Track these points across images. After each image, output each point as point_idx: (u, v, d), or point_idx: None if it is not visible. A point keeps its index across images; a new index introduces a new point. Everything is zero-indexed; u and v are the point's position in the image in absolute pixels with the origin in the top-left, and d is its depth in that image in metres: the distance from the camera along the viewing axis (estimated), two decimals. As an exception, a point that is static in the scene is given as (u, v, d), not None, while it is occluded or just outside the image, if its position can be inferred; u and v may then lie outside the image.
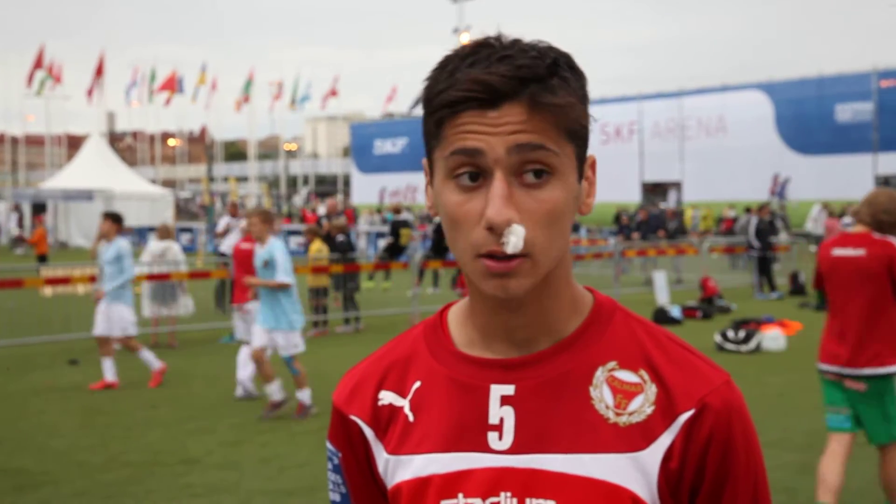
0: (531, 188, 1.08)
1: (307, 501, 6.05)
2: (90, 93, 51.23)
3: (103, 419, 8.37)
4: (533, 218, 1.08)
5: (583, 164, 1.15)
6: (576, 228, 28.46)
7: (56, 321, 13.12)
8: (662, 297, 15.87)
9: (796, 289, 18.49)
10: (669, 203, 37.91)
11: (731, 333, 12.06)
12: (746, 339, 11.89)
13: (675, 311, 14.80)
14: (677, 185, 40.65)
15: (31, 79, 51.06)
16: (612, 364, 1.17)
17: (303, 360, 11.67)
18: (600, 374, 1.17)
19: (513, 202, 1.07)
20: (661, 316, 14.47)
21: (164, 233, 14.17)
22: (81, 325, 12.88)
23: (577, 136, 1.12)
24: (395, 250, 17.51)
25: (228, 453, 7.21)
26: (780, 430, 7.46)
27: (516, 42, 1.11)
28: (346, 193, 57.83)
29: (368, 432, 1.25)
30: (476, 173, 1.09)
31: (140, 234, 30.41)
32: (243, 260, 9.81)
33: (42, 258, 23.45)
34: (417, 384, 1.23)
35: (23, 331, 12.34)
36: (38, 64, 49.79)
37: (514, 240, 1.06)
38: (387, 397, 1.25)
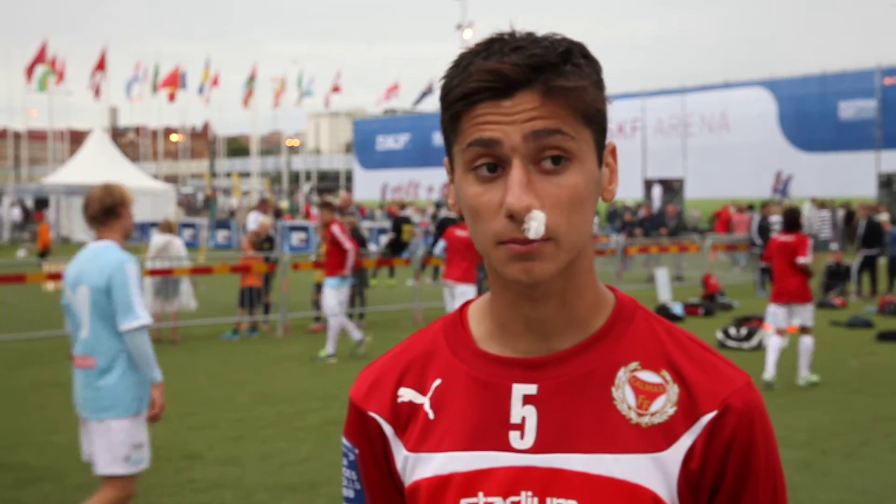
0: (551, 174, 1.08)
1: (308, 497, 6.05)
2: (97, 91, 51.22)
3: (105, 414, 8.36)
4: (555, 203, 1.08)
5: (602, 150, 1.15)
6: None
7: (58, 316, 13.08)
8: (664, 293, 15.87)
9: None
10: (654, 199, 37.88)
11: (732, 331, 12.06)
12: (748, 337, 11.89)
13: (677, 308, 14.80)
14: (665, 182, 40.56)
15: (30, 74, 51.04)
16: (634, 364, 1.17)
17: (307, 355, 11.71)
18: (622, 375, 1.16)
19: (532, 189, 1.08)
20: (663, 313, 14.46)
21: (166, 227, 14.20)
22: (83, 320, 12.88)
23: (594, 120, 1.12)
24: (397, 247, 17.51)
25: (230, 449, 7.21)
26: (782, 428, 7.46)
27: (529, 34, 1.12)
28: (349, 189, 57.81)
29: (387, 429, 1.24)
30: (494, 164, 1.09)
31: (142, 230, 30.44)
32: (455, 244, 10.61)
33: (44, 253, 23.42)
34: (438, 381, 1.22)
35: (24, 325, 12.34)
36: (41, 58, 49.74)
37: (536, 225, 1.07)
38: (406, 394, 1.24)
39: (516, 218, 1.07)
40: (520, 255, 1.08)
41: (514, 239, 1.08)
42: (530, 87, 1.07)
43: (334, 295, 11.20)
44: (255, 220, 16.55)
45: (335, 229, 11.26)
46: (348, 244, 11.15)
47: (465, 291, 10.50)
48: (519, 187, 1.06)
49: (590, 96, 1.10)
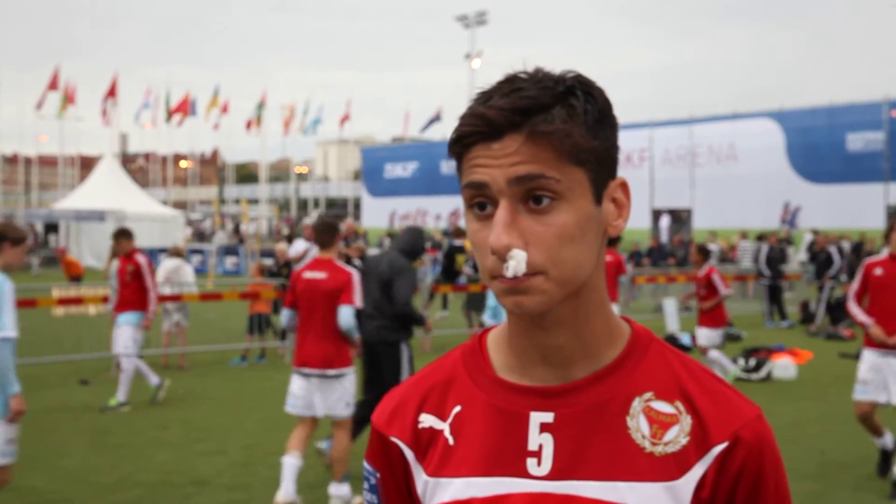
0: (537, 213, 1.12)
1: (317, 525, 6.04)
2: (104, 113, 51.49)
3: (114, 439, 8.39)
4: (540, 241, 1.12)
5: (602, 187, 1.17)
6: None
7: (67, 341, 13.17)
8: (672, 324, 15.85)
9: (807, 317, 18.44)
10: (662, 229, 37.88)
11: (741, 362, 12.03)
12: (757, 368, 11.87)
13: (685, 339, 14.77)
14: (673, 212, 40.58)
15: (42, 100, 51.35)
16: (648, 394, 1.20)
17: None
18: (637, 404, 1.19)
19: (516, 228, 1.12)
20: (671, 343, 14.42)
21: (175, 252, 14.32)
22: (93, 345, 12.93)
23: (586, 159, 1.13)
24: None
25: (238, 474, 7.21)
26: (790, 460, 7.41)
27: (536, 73, 1.16)
28: (357, 217, 57.93)
29: (409, 454, 1.28)
30: (485, 203, 1.14)
31: (151, 256, 30.50)
32: None
33: (78, 279, 22.69)
34: (458, 409, 1.26)
35: (34, 350, 12.37)
36: (53, 85, 50.09)
37: (514, 264, 1.11)
38: (427, 420, 1.28)
39: (498, 256, 1.12)
40: (510, 289, 1.13)
41: (502, 276, 1.13)
42: (517, 131, 1.11)
43: (132, 333, 9.79)
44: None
45: (142, 260, 10.01)
46: (151, 282, 9.99)
47: None
48: (500, 227, 1.11)
49: (577, 137, 1.12)
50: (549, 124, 1.10)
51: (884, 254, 6.92)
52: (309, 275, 6.39)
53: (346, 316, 6.28)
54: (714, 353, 10.85)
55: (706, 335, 10.80)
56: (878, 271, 6.81)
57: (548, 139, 1.10)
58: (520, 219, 1.12)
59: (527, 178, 1.10)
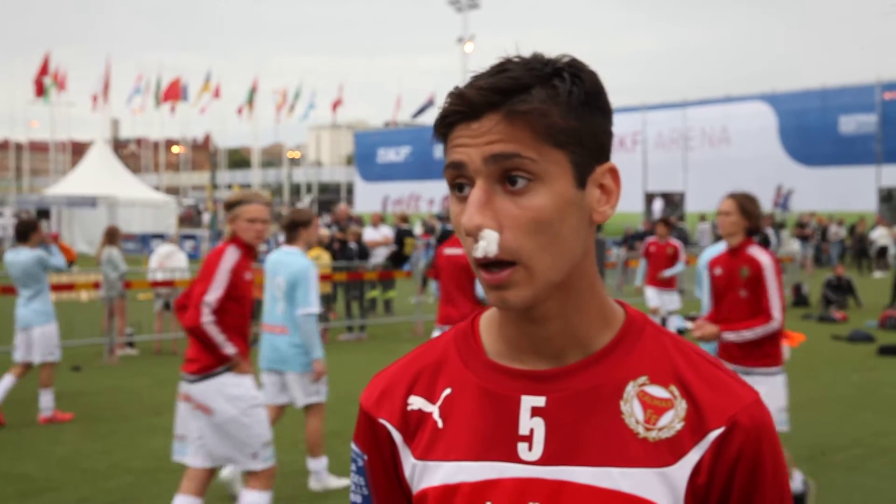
0: (513, 195, 1.10)
1: (311, 510, 6.04)
2: (96, 99, 51.27)
3: (106, 426, 8.38)
4: (515, 224, 1.09)
5: (586, 171, 1.14)
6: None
7: (59, 327, 13.10)
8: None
9: (799, 300, 18.49)
10: (655, 213, 37.93)
11: (734, 344, 12.07)
12: (750, 351, 11.90)
13: (678, 321, 14.79)
14: (666, 196, 40.65)
15: (39, 86, 51.14)
16: (642, 379, 1.18)
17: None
18: (631, 389, 1.17)
19: (491, 208, 1.09)
20: (664, 326, 14.51)
21: (169, 238, 14.30)
22: (84, 331, 12.89)
23: (566, 141, 1.11)
24: (398, 259, 17.53)
25: (231, 461, 7.20)
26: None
27: (527, 57, 1.14)
28: (350, 202, 57.90)
29: (397, 436, 1.26)
30: (464, 184, 1.13)
31: (143, 242, 30.47)
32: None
33: (70, 265, 22.70)
34: (448, 391, 1.24)
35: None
36: (44, 71, 49.85)
37: (484, 244, 1.08)
38: (416, 402, 1.25)
39: (472, 237, 1.10)
40: (493, 285, 1.11)
41: (477, 260, 1.10)
42: (495, 110, 1.09)
43: None
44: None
45: None
46: None
47: None
48: (473, 207, 1.09)
49: (555, 117, 1.09)
50: (527, 104, 1.09)
51: (722, 246, 5.87)
52: (449, 251, 7.51)
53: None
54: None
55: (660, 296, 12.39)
56: (718, 271, 5.62)
57: (524, 118, 1.08)
58: (495, 199, 1.10)
59: (501, 156, 1.08)
